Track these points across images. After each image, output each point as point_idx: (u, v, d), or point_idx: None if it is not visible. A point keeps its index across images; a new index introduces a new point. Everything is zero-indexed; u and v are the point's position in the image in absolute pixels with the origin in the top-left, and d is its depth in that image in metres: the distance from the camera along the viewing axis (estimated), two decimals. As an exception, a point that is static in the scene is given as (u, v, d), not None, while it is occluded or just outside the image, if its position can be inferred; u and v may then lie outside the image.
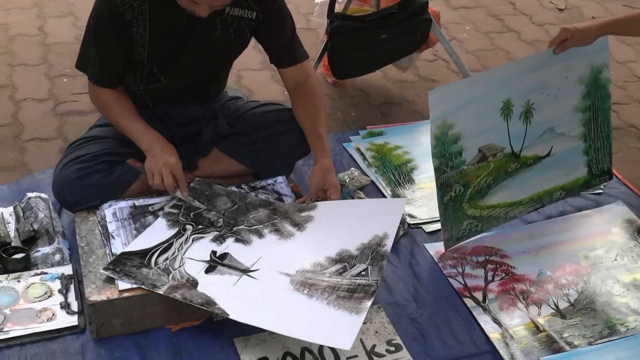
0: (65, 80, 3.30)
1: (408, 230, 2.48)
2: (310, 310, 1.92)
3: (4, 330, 1.98)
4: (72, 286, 2.12)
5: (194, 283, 1.99)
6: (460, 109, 2.27)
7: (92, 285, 1.98)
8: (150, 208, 2.26)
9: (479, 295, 2.26)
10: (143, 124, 2.30)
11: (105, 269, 2.01)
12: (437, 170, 2.28)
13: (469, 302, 2.23)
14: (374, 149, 2.91)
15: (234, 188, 2.38)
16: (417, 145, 2.93)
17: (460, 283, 2.30)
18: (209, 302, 1.93)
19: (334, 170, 2.33)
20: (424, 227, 2.52)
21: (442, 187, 2.30)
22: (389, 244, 2.11)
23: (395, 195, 2.66)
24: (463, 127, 2.28)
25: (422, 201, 2.64)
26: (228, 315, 1.90)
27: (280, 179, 2.45)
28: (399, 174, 2.78)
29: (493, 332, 2.13)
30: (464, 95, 2.28)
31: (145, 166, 2.24)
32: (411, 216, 2.55)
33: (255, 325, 1.90)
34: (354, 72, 3.28)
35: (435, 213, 2.44)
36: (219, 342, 2.03)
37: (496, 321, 2.16)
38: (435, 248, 2.43)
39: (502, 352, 2.07)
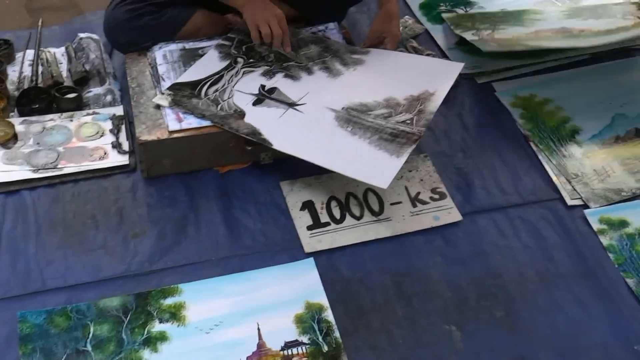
0: None
1: (460, 81, 2.42)
2: (352, 147, 1.96)
3: (58, 167, 2.05)
4: (123, 126, 2.16)
5: (241, 114, 2.04)
6: None
7: (142, 125, 2.01)
8: (200, 51, 2.25)
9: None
10: None
11: (156, 98, 2.06)
12: None
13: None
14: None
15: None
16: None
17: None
18: (255, 132, 1.98)
19: (398, 18, 2.24)
20: (476, 78, 2.47)
21: None
22: (437, 101, 2.09)
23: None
24: None
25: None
26: (272, 145, 1.95)
27: (331, 25, 2.40)
28: None
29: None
30: None
31: (248, 18, 2.19)
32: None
33: (296, 156, 1.94)
34: None
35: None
36: (265, 185, 2.07)
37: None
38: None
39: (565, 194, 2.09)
